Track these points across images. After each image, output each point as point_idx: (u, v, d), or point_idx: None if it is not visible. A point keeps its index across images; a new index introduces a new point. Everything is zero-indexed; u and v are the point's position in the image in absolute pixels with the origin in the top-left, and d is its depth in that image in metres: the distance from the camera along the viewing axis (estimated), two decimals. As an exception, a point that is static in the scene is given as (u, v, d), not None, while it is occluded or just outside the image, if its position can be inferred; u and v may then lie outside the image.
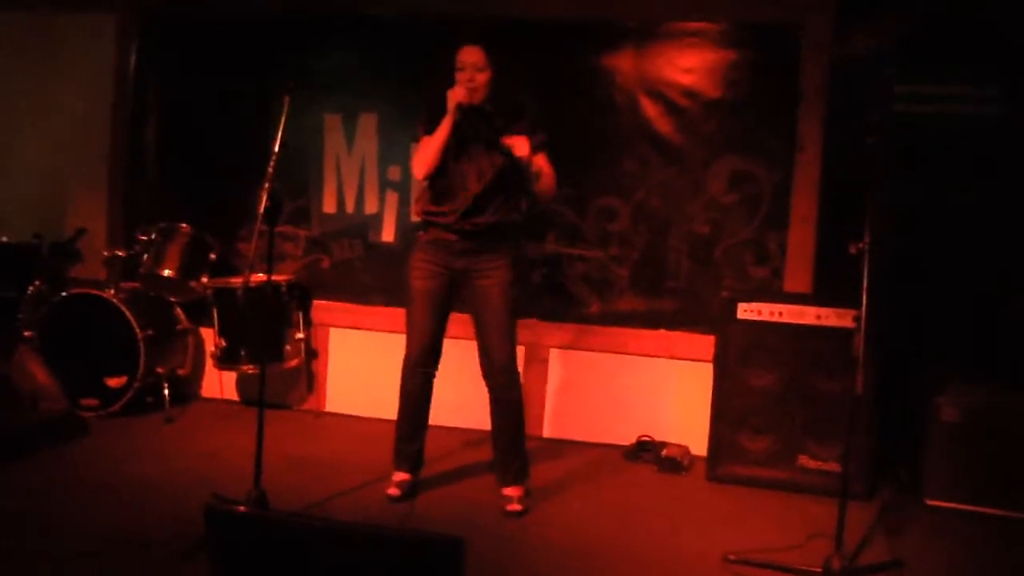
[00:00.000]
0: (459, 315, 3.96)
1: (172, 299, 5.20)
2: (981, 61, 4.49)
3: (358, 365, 5.23)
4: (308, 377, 5.29)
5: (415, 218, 5.08)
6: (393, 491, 3.88)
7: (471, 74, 3.71)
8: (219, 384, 5.16)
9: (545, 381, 4.99)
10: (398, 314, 4.77)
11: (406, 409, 3.95)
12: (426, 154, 3.74)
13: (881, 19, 4.57)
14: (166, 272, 4.91)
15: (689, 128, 4.78)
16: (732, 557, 3.39)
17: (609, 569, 3.34)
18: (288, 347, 4.97)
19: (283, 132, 3.52)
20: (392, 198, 5.18)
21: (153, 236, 4.96)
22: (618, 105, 4.84)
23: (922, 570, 3.40)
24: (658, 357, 4.85)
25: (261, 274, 4.60)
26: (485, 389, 3.89)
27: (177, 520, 3.42)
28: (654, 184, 4.84)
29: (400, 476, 3.93)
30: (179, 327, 5.23)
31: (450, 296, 3.88)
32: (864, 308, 3.19)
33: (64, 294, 4.91)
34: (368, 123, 5.17)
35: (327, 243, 5.29)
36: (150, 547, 3.22)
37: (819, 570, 3.22)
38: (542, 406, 4.97)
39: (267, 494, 3.48)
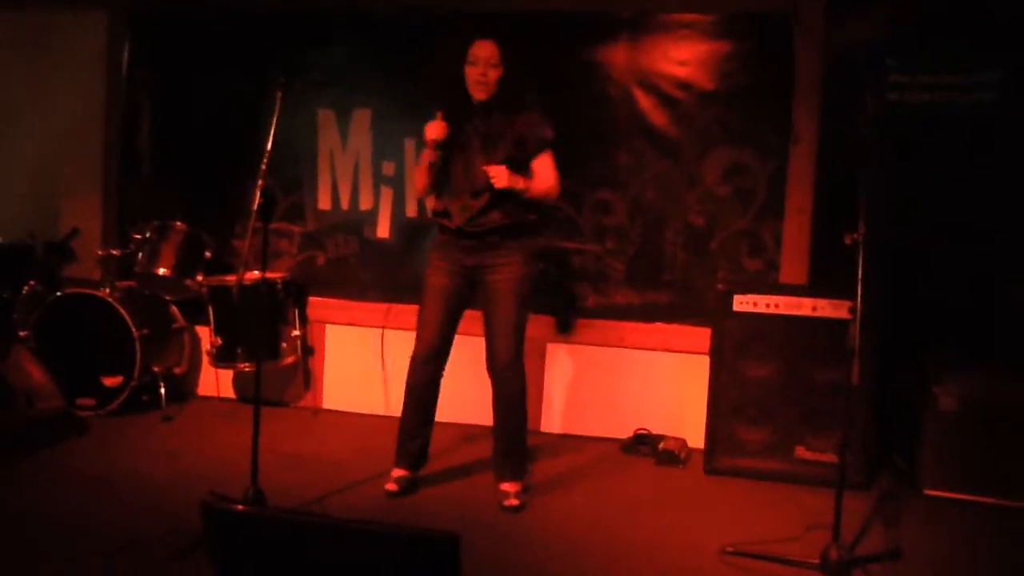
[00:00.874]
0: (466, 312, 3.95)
1: (167, 297, 5.18)
2: (976, 48, 4.49)
3: (355, 361, 5.22)
4: (304, 374, 5.28)
5: (411, 213, 5.13)
6: (391, 487, 3.87)
7: (484, 69, 3.68)
8: (216, 382, 5.16)
9: (543, 375, 4.98)
10: (394, 310, 4.80)
11: (411, 405, 3.92)
12: (418, 181, 3.86)
13: (875, 7, 4.56)
14: (161, 270, 4.90)
15: (683, 120, 4.77)
16: (730, 549, 3.40)
17: (606, 563, 3.34)
18: (284, 344, 4.97)
19: (276, 128, 3.52)
20: (387, 194, 5.17)
21: (148, 234, 4.94)
22: (612, 98, 4.84)
23: (920, 560, 3.40)
24: (654, 350, 4.85)
25: (256, 271, 4.59)
26: (485, 385, 3.88)
27: (175, 518, 3.41)
28: (649, 177, 4.84)
29: (399, 472, 3.92)
30: (175, 325, 5.23)
31: (464, 295, 3.86)
32: (860, 298, 3.18)
33: (59, 294, 4.90)
34: (362, 119, 5.16)
35: (322, 239, 5.28)
36: (148, 545, 3.21)
37: (817, 561, 3.22)
38: (540, 400, 4.97)
39: (264, 491, 3.48)
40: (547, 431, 4.96)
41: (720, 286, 4.44)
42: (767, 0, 4.64)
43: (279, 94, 3.55)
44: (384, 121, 5.12)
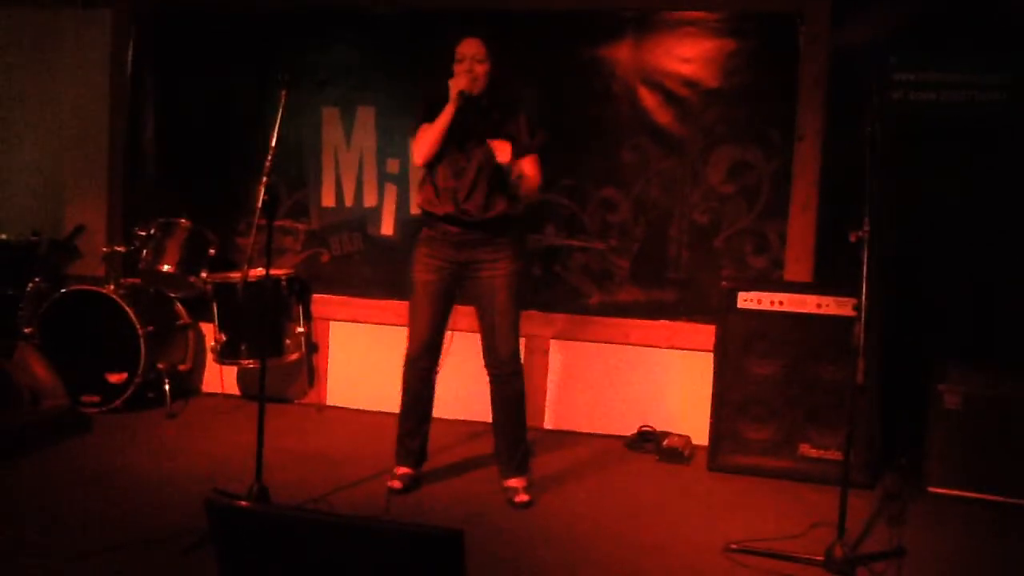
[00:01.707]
0: (462, 307, 3.95)
1: (172, 294, 5.19)
2: (981, 48, 4.48)
3: (358, 358, 5.23)
4: (309, 371, 5.29)
5: (415, 211, 5.11)
6: (395, 484, 3.88)
7: (470, 65, 3.70)
8: (220, 379, 5.17)
9: (546, 372, 4.99)
10: (398, 307, 4.77)
11: (408, 404, 3.94)
12: (426, 139, 3.71)
13: (879, 5, 4.55)
14: (166, 267, 4.91)
15: (688, 118, 4.77)
16: (734, 546, 3.39)
17: (610, 559, 3.34)
18: (288, 341, 4.98)
19: (281, 126, 3.51)
20: (391, 191, 5.17)
21: (152, 231, 4.95)
22: (617, 95, 4.83)
23: (924, 557, 3.40)
24: (659, 347, 4.85)
25: (260, 268, 4.60)
26: (486, 382, 3.89)
27: (179, 515, 3.42)
28: (653, 174, 4.83)
29: (402, 470, 3.93)
30: (179, 322, 5.23)
31: (452, 290, 3.86)
32: (864, 296, 3.18)
33: (64, 291, 4.91)
34: (366, 116, 5.16)
35: (326, 237, 5.28)
36: (152, 542, 3.21)
37: (821, 558, 3.22)
38: (543, 397, 4.98)
39: (269, 488, 3.49)
40: (551, 428, 4.96)
41: (724, 283, 4.44)
42: (772, -2, 4.64)
43: (283, 91, 3.55)
44: (388, 119, 5.12)
